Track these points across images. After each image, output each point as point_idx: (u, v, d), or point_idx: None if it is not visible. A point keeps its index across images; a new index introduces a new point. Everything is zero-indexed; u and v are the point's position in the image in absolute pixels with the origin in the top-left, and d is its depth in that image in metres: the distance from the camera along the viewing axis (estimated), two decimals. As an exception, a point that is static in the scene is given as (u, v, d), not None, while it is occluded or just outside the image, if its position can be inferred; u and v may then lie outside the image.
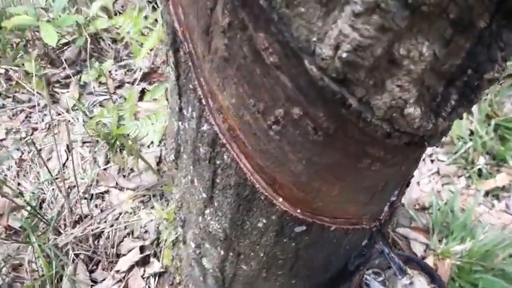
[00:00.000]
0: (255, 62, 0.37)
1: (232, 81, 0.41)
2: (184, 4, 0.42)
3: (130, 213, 1.22)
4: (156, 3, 1.55)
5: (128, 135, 1.08)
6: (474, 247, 1.14)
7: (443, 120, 0.36)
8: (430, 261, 1.14)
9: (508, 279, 1.10)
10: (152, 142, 1.05)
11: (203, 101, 0.46)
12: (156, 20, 1.17)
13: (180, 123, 0.57)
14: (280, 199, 0.49)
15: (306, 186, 0.47)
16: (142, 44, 1.18)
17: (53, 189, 1.24)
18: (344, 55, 0.30)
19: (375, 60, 0.31)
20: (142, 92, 1.44)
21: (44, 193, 1.25)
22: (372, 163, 0.43)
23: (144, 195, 1.25)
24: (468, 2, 0.27)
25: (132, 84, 1.48)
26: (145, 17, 1.16)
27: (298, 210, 0.50)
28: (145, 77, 1.54)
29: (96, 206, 1.22)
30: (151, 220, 1.19)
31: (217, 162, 0.50)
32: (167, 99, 1.09)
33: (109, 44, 1.56)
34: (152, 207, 1.24)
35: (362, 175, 0.46)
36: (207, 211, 0.61)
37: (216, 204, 0.58)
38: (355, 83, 0.33)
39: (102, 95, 1.46)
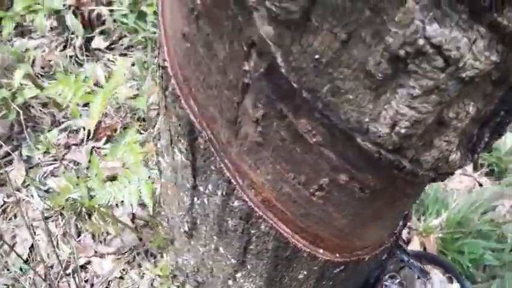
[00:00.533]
0: (294, 143, 0.38)
1: (268, 161, 0.41)
2: (199, 98, 0.42)
3: (120, 277, 1.17)
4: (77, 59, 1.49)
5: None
6: (450, 216, 1.23)
7: (477, 155, 0.39)
8: (416, 241, 1.21)
9: (486, 237, 1.20)
10: (131, 205, 1.01)
11: (232, 181, 0.45)
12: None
13: (195, 198, 0.56)
14: (321, 250, 0.50)
15: (348, 235, 0.48)
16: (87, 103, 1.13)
17: (29, 277, 1.15)
18: (402, 131, 0.32)
19: (426, 127, 0.33)
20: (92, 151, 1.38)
21: (20, 282, 1.16)
22: (408, 199, 0.45)
23: (128, 256, 1.20)
24: (507, 65, 0.30)
25: (78, 145, 1.41)
26: (85, 80, 1.11)
27: (337, 255, 0.52)
28: (93, 135, 1.47)
29: (83, 280, 1.15)
30: (144, 279, 1.15)
31: (252, 231, 0.50)
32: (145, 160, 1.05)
33: (40, 110, 1.47)
34: (140, 266, 1.20)
35: (397, 209, 0.48)
36: (239, 274, 0.60)
37: (249, 267, 0.57)
38: (406, 148, 0.34)
39: (51, 164, 1.37)
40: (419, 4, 0.25)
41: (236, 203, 0.48)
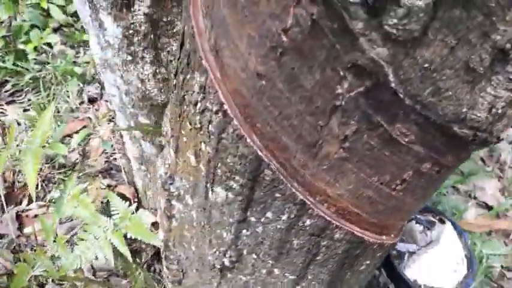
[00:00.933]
0: (384, 148, 0.40)
1: (350, 172, 0.43)
2: (267, 132, 0.41)
3: None
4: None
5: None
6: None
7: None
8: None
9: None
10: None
11: (307, 202, 0.46)
12: None
13: (243, 231, 0.55)
14: (384, 237, 0.54)
15: (407, 214, 0.52)
16: None
17: None
18: (500, 111, 0.36)
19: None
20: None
21: None
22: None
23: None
24: None
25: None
26: None
27: (394, 236, 0.56)
28: (8, 199, 1.32)
29: None
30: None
31: (323, 243, 0.51)
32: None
33: None
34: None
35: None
36: (299, 287, 0.61)
37: (310, 277, 0.58)
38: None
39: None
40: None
41: (308, 222, 0.48)
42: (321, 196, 0.46)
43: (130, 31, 0.88)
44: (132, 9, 0.86)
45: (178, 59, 0.48)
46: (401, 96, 0.34)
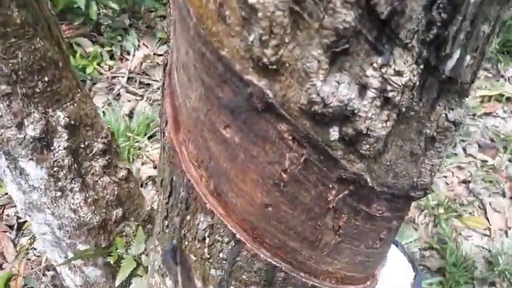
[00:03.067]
0: (366, 224, 0.52)
1: (345, 249, 0.53)
2: (274, 243, 0.50)
3: None
4: None
5: None
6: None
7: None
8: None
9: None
10: None
11: (316, 284, 0.55)
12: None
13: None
14: (369, 282, 0.65)
15: (385, 259, 0.64)
16: None
17: None
18: (436, 172, 0.50)
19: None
20: None
21: None
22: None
23: None
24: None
25: None
26: None
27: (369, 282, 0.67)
28: None
29: None
30: None
31: None
32: None
33: None
34: None
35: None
36: None
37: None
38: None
39: None
40: (442, 106, 0.43)
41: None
42: (324, 275, 0.55)
43: (55, 168, 0.90)
44: (52, 148, 0.88)
45: (167, 203, 0.54)
46: (375, 187, 0.46)
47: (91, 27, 3.08)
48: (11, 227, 1.86)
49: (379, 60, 0.37)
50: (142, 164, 2.29)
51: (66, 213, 1.00)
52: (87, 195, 1.01)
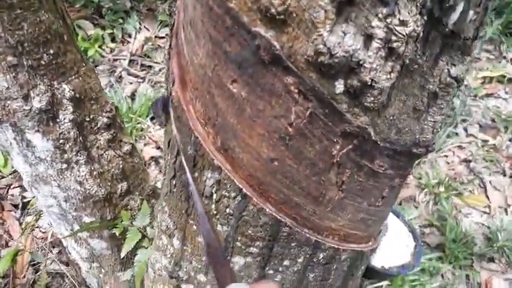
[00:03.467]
0: (368, 180, 0.53)
1: (348, 205, 0.55)
2: (280, 198, 0.51)
3: None
4: None
5: None
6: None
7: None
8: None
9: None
10: None
11: (320, 241, 0.57)
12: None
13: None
14: (370, 243, 0.67)
15: (385, 219, 0.66)
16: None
17: None
18: (438, 129, 0.51)
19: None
20: None
21: None
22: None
23: None
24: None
25: None
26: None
27: (371, 243, 0.69)
28: None
29: None
30: None
31: (333, 267, 0.62)
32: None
33: None
34: None
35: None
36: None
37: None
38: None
39: None
40: (444, 61, 0.44)
41: (321, 255, 0.59)
42: (327, 231, 0.57)
43: (61, 141, 0.91)
44: (58, 120, 0.89)
45: (174, 163, 0.56)
46: (378, 142, 0.47)
47: (92, 9, 3.06)
48: (15, 206, 1.88)
49: (384, 10, 0.37)
50: (145, 144, 2.31)
51: (72, 185, 1.01)
52: (92, 168, 1.03)
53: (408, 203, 1.91)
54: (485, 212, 1.89)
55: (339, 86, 0.41)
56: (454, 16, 0.40)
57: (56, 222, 1.13)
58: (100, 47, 2.91)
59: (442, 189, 1.88)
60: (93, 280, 1.28)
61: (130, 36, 3.09)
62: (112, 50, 2.97)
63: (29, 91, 0.86)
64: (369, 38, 0.38)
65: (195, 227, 0.59)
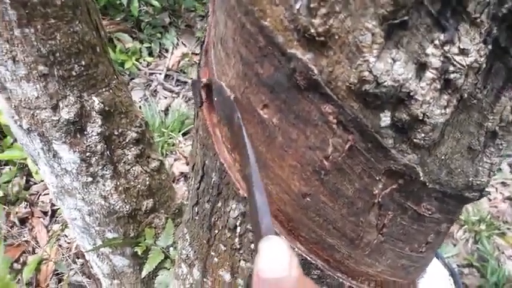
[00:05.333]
0: (413, 224, 0.47)
1: (388, 250, 0.49)
2: (311, 238, 0.46)
3: None
4: None
5: None
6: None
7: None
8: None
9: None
10: None
11: (352, 285, 0.51)
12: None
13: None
14: None
15: (428, 265, 0.59)
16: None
17: None
18: (495, 172, 0.45)
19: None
20: None
21: None
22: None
23: None
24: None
25: None
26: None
27: None
28: None
29: None
30: None
31: None
32: None
33: None
34: None
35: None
36: None
37: None
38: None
39: None
40: (508, 97, 0.38)
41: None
42: (363, 277, 0.51)
43: (88, 154, 0.89)
44: (85, 132, 0.87)
45: (198, 189, 0.51)
46: (427, 183, 0.41)
47: (132, 23, 3.13)
48: (45, 213, 1.89)
49: (442, 36, 0.32)
50: (175, 160, 2.30)
51: (96, 199, 0.99)
52: (118, 183, 1.01)
53: (446, 240, 1.80)
54: (530, 254, 1.76)
55: (385, 119, 0.36)
56: (525, 44, 0.34)
57: (79, 235, 1.12)
58: (137, 60, 2.95)
59: (483, 227, 1.76)
60: (112, 297, 1.25)
61: (167, 51, 3.13)
62: (149, 64, 3.01)
63: (58, 101, 0.84)
64: (422, 66, 0.33)
65: (216, 259, 0.54)
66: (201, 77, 0.49)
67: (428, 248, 0.51)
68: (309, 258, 0.47)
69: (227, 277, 0.54)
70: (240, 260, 0.51)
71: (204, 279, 0.59)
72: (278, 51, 0.36)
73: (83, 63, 0.86)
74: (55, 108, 0.84)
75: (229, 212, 0.47)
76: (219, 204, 0.48)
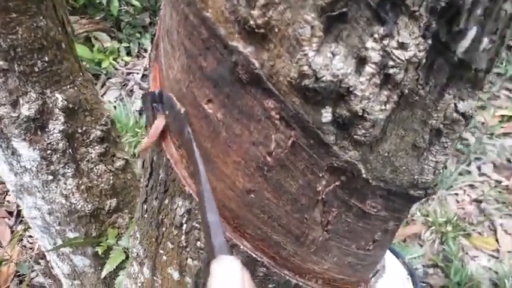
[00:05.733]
0: (359, 221, 0.47)
1: (333, 248, 0.49)
2: (257, 234, 0.45)
3: None
4: None
5: None
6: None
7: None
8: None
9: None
10: None
11: (299, 283, 0.51)
12: None
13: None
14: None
15: (377, 264, 0.59)
16: None
17: None
18: (440, 171, 0.45)
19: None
20: None
21: None
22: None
23: None
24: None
25: None
26: None
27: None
28: None
29: None
30: None
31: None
32: None
33: None
34: None
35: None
36: None
37: None
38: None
39: None
40: (451, 95, 0.39)
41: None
42: (310, 274, 0.51)
43: (48, 151, 0.87)
44: (46, 129, 0.85)
45: (147, 186, 0.50)
46: (370, 181, 0.41)
47: (111, 22, 3.08)
48: (10, 213, 1.84)
49: (381, 30, 0.32)
50: (148, 160, 2.27)
51: (57, 198, 0.97)
52: (80, 182, 0.99)
53: (413, 241, 1.82)
54: (493, 256, 1.79)
55: (326, 115, 0.36)
56: (465, 43, 0.34)
57: (39, 235, 1.09)
58: (115, 59, 2.91)
59: (449, 228, 1.79)
60: (74, 299, 1.22)
61: (145, 51, 3.09)
62: (126, 64, 2.97)
63: (18, 97, 0.82)
64: (361, 61, 0.33)
65: (164, 257, 0.53)
66: (152, 70, 0.48)
67: (376, 246, 0.52)
68: (254, 256, 0.46)
69: (176, 275, 0.54)
70: (187, 258, 0.50)
71: (154, 278, 0.58)
72: (220, 44, 0.35)
73: (47, 59, 0.84)
74: (15, 104, 0.82)
75: (176, 209, 0.47)
76: (166, 202, 0.48)
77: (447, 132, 0.41)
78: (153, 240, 0.53)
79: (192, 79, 0.39)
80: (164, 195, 0.47)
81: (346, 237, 0.48)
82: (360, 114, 0.35)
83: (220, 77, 0.37)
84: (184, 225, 0.47)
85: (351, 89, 0.34)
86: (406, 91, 0.35)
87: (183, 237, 0.48)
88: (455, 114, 0.40)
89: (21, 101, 0.83)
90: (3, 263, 1.41)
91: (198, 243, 0.47)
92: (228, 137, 0.39)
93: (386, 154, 0.40)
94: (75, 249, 1.07)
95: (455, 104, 0.39)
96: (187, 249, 0.49)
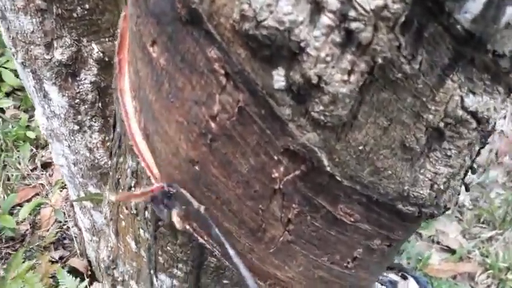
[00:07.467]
0: (330, 228, 0.38)
1: (299, 254, 0.40)
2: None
3: None
4: None
5: None
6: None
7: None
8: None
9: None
10: None
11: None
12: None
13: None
14: None
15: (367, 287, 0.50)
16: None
17: None
18: (441, 187, 0.35)
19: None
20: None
21: None
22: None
23: None
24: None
25: None
26: None
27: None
28: None
29: None
30: None
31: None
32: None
33: None
34: None
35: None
36: None
37: None
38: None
39: None
40: (456, 82, 0.29)
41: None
42: (272, 280, 0.43)
43: (77, 100, 0.85)
44: (78, 78, 0.84)
45: (112, 140, 0.46)
46: (339, 178, 0.33)
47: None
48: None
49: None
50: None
51: (81, 149, 0.97)
52: (106, 138, 0.98)
53: (464, 280, 1.62)
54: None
55: (278, 78, 0.28)
56: (473, 7, 0.24)
57: (67, 183, 1.11)
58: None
59: (510, 276, 1.56)
60: (92, 253, 1.24)
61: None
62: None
63: (52, 40, 0.82)
64: (317, 7, 0.25)
65: (123, 223, 0.48)
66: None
67: (357, 266, 0.42)
68: (204, 242, 0.40)
69: (133, 245, 0.49)
70: (139, 228, 0.45)
71: (119, 244, 0.53)
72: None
73: (87, 6, 0.83)
74: (49, 46, 0.82)
75: (127, 169, 0.41)
76: (121, 160, 0.42)
77: (451, 135, 0.31)
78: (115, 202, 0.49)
79: (139, 13, 0.33)
80: (119, 151, 0.42)
81: (314, 244, 0.39)
82: (315, 82, 0.27)
83: (162, 12, 0.30)
84: (133, 189, 0.41)
85: (302, 44, 0.25)
86: (380, 61, 0.26)
87: (133, 203, 0.43)
88: (460, 112, 0.30)
89: (55, 44, 0.82)
90: (42, 206, 1.48)
91: (146, 213, 0.42)
92: (171, 90, 0.33)
93: (361, 147, 0.31)
94: (95, 205, 1.07)
95: (461, 97, 0.29)
96: (138, 218, 0.44)
